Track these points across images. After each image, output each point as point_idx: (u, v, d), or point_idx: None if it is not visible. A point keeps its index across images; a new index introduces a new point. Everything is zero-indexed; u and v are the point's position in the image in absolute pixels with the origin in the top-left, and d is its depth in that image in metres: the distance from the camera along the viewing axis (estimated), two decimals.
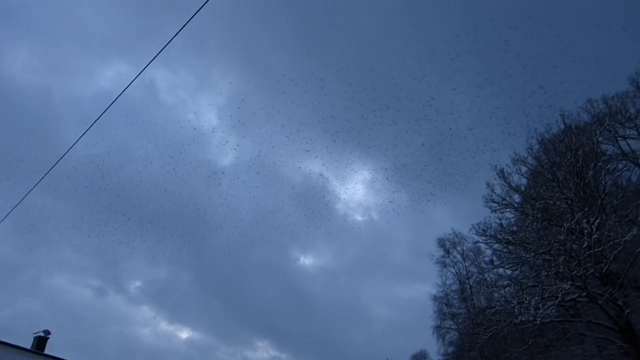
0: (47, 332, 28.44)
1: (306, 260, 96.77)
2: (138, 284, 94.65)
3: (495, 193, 30.35)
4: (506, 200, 30.41)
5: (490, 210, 30.52)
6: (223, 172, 71.82)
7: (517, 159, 30.21)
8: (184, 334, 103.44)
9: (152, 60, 10.60)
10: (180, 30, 9.84)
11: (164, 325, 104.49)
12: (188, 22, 9.80)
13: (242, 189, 71.85)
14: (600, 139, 26.68)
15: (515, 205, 30.58)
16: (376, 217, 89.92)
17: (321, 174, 73.89)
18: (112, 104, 11.60)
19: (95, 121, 11.85)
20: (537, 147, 29.63)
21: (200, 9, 9.47)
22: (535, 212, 26.96)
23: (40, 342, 28.07)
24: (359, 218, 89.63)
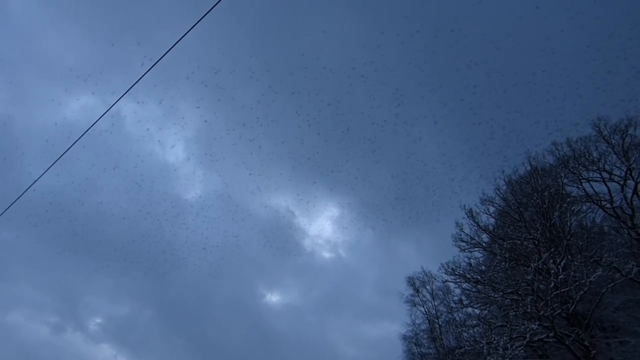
0: None
1: (272, 297, 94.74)
2: (98, 320, 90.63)
3: (464, 232, 30.67)
4: (475, 239, 30.71)
5: (459, 249, 30.76)
6: (189, 206, 70.64)
7: (485, 199, 30.76)
8: None
9: (122, 97, 10.49)
10: (152, 67, 9.78)
11: None
12: (160, 59, 9.75)
13: (208, 222, 70.84)
14: (565, 181, 27.47)
15: (484, 244, 30.89)
16: (344, 253, 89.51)
17: (289, 209, 73.42)
18: (79, 139, 11.34)
19: (61, 156, 11.56)
20: (504, 188, 30.29)
21: (172, 47, 9.44)
22: (503, 252, 27.24)
23: None
24: (327, 255, 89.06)
